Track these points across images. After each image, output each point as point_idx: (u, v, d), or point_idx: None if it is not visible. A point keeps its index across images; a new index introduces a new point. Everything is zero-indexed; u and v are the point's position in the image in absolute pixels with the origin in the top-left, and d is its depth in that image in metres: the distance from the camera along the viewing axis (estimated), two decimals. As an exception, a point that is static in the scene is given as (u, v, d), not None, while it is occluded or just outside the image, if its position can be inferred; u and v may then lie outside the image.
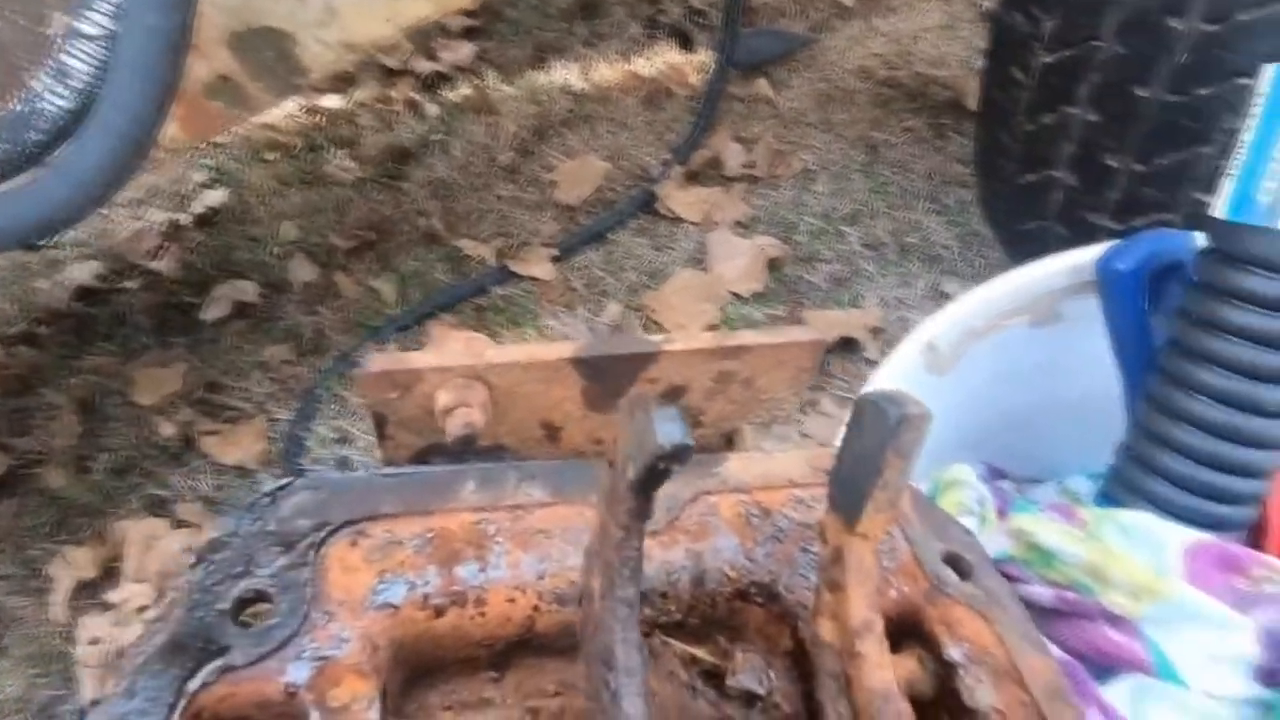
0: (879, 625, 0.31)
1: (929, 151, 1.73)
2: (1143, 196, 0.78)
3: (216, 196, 2.09)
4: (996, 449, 0.65)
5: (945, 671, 0.37)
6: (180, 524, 1.46)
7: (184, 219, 2.05)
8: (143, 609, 1.34)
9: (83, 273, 1.99)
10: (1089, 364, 0.63)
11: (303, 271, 1.86)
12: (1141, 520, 0.49)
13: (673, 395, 0.44)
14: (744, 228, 1.69)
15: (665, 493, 0.42)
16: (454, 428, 0.37)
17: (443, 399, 0.37)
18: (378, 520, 0.35)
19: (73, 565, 1.41)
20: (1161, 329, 0.52)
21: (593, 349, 0.40)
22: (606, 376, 0.41)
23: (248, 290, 1.83)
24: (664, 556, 0.37)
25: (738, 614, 0.38)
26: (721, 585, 0.38)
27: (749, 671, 0.33)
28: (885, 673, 0.30)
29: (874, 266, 1.54)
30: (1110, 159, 0.78)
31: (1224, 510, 0.48)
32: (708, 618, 0.38)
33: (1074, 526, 0.51)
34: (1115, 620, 0.48)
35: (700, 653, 0.34)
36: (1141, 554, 0.47)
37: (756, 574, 0.38)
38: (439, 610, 0.33)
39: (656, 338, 0.42)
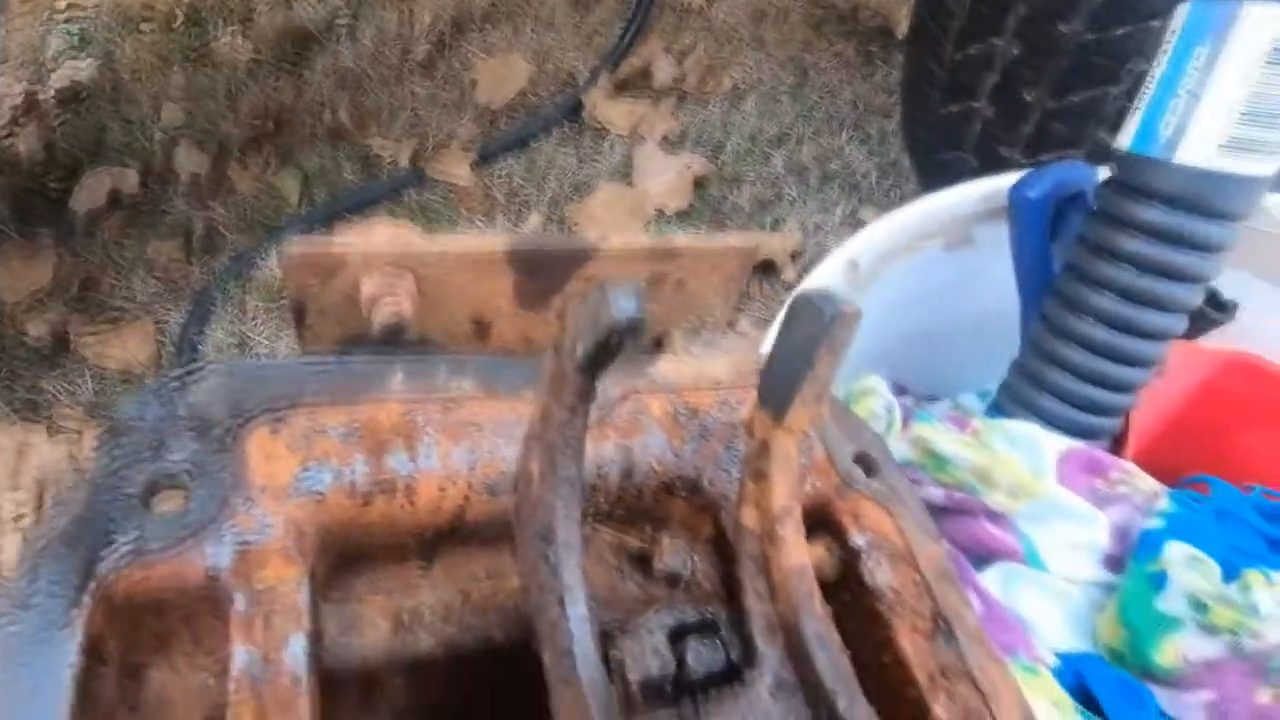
0: (797, 511, 0.33)
1: (856, 78, 1.74)
2: (1053, 132, 0.82)
3: (83, 69, 1.84)
4: (900, 366, 0.68)
5: (850, 557, 0.40)
6: (58, 430, 1.36)
7: (43, 93, 1.80)
8: (19, 518, 1.26)
9: (-79, 147, 1.74)
10: (993, 287, 0.67)
11: (190, 161, 1.70)
12: (1025, 430, 0.54)
13: (606, 296, 0.44)
14: (671, 144, 1.66)
15: (596, 389, 0.42)
16: (381, 317, 0.35)
17: (368, 287, 0.35)
18: (299, 408, 0.34)
19: (-69, 473, 1.29)
20: (1059, 257, 0.56)
21: (527, 243, 0.39)
22: (540, 273, 0.40)
23: (126, 178, 1.66)
24: (595, 451, 0.38)
25: (662, 506, 0.40)
26: (648, 479, 0.39)
27: (674, 555, 0.34)
28: (801, 553, 0.32)
29: (796, 191, 1.56)
30: (1027, 93, 0.81)
31: (1096, 421, 0.53)
32: (634, 509, 0.40)
33: (967, 435, 0.56)
34: (995, 517, 0.53)
35: (628, 538, 0.36)
36: (1022, 458, 0.52)
37: (682, 469, 0.40)
38: (367, 499, 0.33)
39: (592, 237, 0.41)
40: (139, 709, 0.29)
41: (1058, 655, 0.49)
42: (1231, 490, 0.55)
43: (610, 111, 1.70)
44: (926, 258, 0.64)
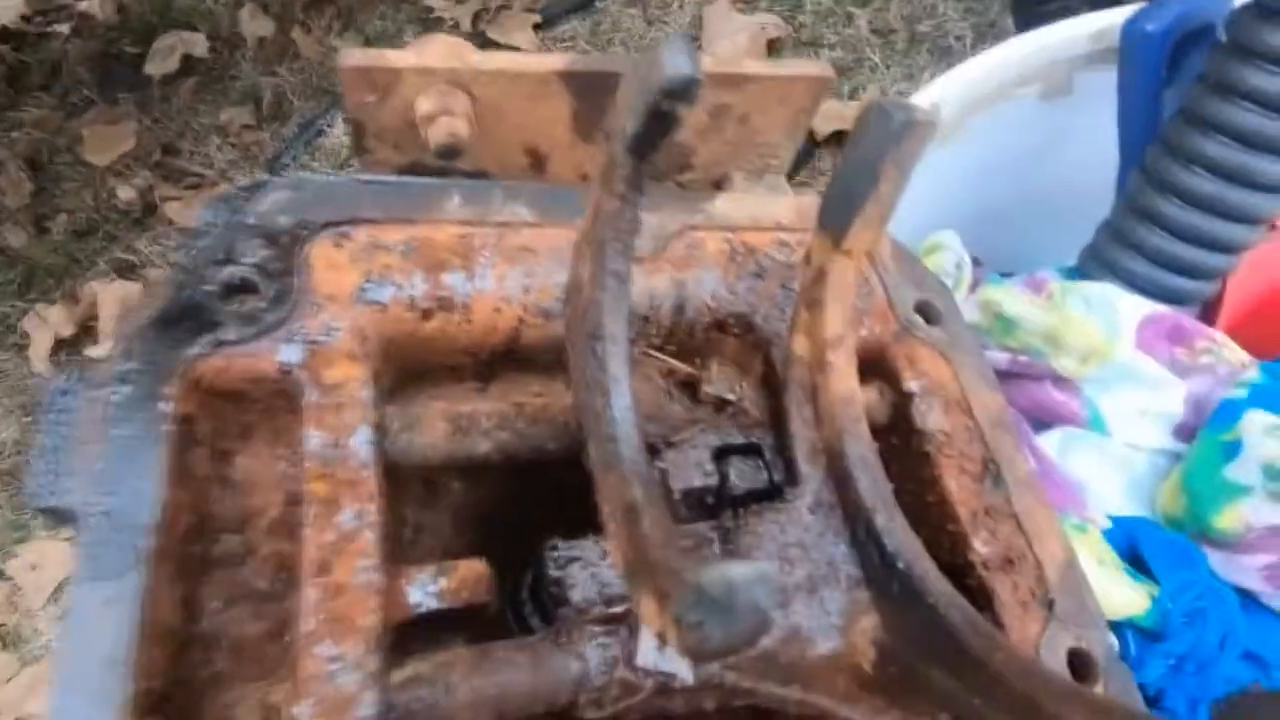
0: (850, 340, 0.32)
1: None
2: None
3: (147, -75, 1.81)
4: (978, 239, 0.64)
5: (901, 401, 0.39)
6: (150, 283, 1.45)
7: (112, -49, 1.79)
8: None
9: (4, 13, 1.78)
10: (1089, 149, 0.61)
11: (256, 25, 1.68)
12: (1105, 291, 0.51)
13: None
14: (745, 3, 1.54)
15: (652, 224, 0.42)
16: (437, 135, 0.35)
17: (424, 105, 0.35)
18: (360, 225, 0.34)
19: (48, 322, 1.41)
20: (1172, 104, 0.50)
21: (586, 63, 0.37)
22: (597, 97, 0.38)
23: (196, 43, 1.66)
24: (648, 284, 0.38)
25: (714, 343, 0.40)
26: (701, 315, 0.39)
27: (722, 380, 0.35)
28: (850, 381, 0.32)
29: (880, 56, 1.44)
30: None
31: (1188, 284, 0.49)
32: (685, 345, 0.40)
33: (1040, 298, 0.53)
34: (1060, 381, 0.51)
35: (677, 363, 0.36)
36: (1099, 321, 0.50)
37: (736, 306, 0.39)
38: (426, 313, 0.34)
39: (652, 59, 0.39)
40: (228, 484, 0.32)
41: (1111, 518, 0.48)
42: (1331, 367, 0.51)
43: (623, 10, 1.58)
44: (1019, 108, 0.58)
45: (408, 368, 0.36)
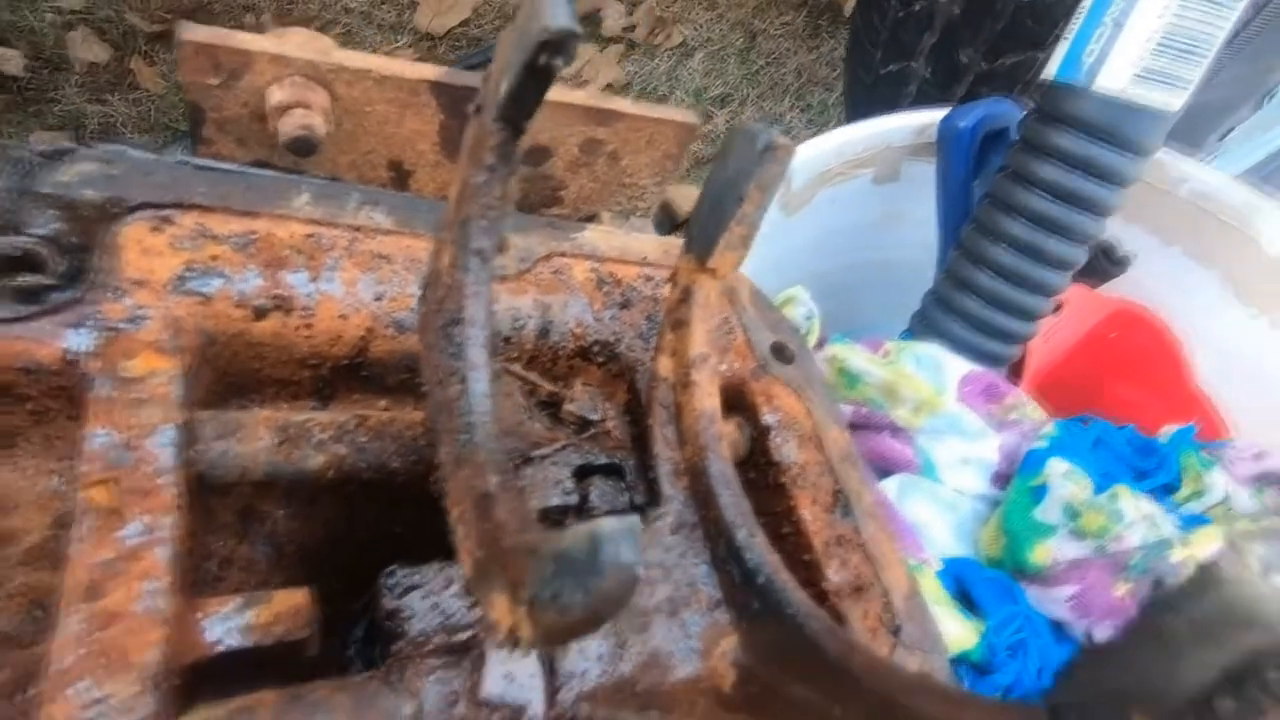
0: (713, 360, 0.32)
1: (802, 49, 1.76)
2: (983, 96, 0.85)
3: (-38, -75, 1.64)
4: (817, 300, 0.69)
5: (759, 434, 0.40)
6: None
7: (-88, -54, 1.60)
8: None
9: None
10: (913, 230, 0.69)
11: (89, 50, 1.54)
12: (931, 350, 0.56)
13: (537, 156, 0.42)
14: (615, 92, 1.63)
15: (519, 245, 0.41)
16: (288, 128, 0.32)
17: (277, 95, 0.32)
18: (187, 210, 0.31)
19: None
20: (979, 191, 0.58)
21: (460, 77, 0.36)
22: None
23: (10, 59, 1.49)
24: (512, 302, 0.37)
25: (577, 371, 0.39)
26: (565, 340, 0.38)
27: (585, 400, 0.34)
28: (713, 400, 0.32)
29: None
30: (963, 54, 0.84)
31: (998, 348, 0.56)
32: (547, 372, 0.38)
33: (878, 355, 0.57)
34: (897, 431, 0.55)
35: (539, 380, 0.35)
36: (927, 376, 0.54)
37: (601, 333, 0.39)
38: (260, 312, 0.30)
39: (526, 87, 0.39)
40: (-26, 503, 0.26)
41: (942, 560, 0.51)
42: (1108, 425, 0.59)
43: (555, 51, 1.66)
44: (856, 188, 0.65)
45: (232, 377, 0.32)
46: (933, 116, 0.61)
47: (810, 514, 0.38)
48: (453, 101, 0.37)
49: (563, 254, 0.40)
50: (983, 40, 0.81)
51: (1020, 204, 0.52)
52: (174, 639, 0.23)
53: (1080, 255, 0.53)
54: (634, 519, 0.14)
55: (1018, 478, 0.53)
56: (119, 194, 0.29)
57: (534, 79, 0.19)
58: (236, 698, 0.23)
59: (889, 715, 0.21)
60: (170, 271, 0.29)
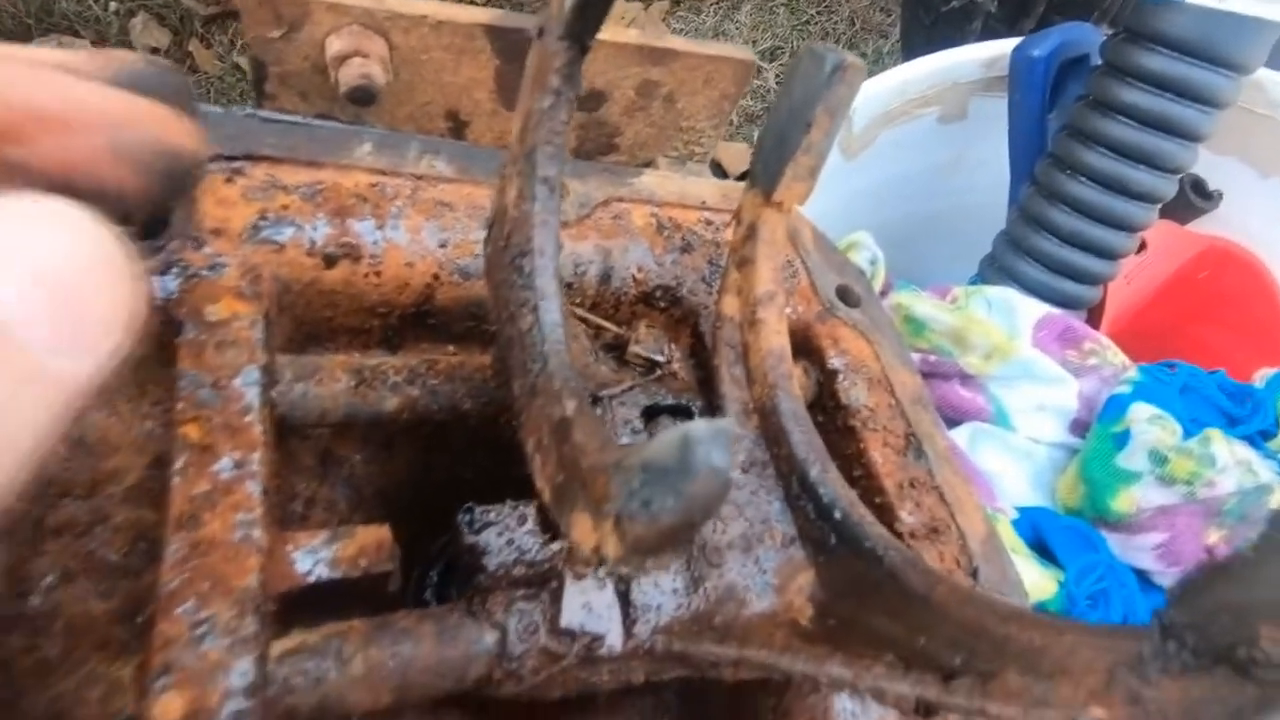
0: (780, 297, 0.32)
1: (854, -6, 1.69)
2: (1055, 25, 0.80)
3: (29, -80, 1.70)
4: (887, 252, 0.67)
5: (826, 378, 0.39)
6: None
7: (-15, -57, 1.66)
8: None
9: None
10: (981, 172, 0.66)
11: (149, 35, 1.59)
12: (1004, 294, 0.53)
13: (592, 102, 0.42)
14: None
15: (578, 190, 0.41)
16: (348, 77, 0.32)
17: (336, 45, 0.33)
18: (257, 162, 0.31)
19: None
20: (1054, 126, 0.55)
21: (515, 19, 0.36)
22: (523, 58, 0.37)
23: (77, 48, 1.55)
24: (573, 248, 0.37)
25: (639, 317, 0.39)
26: (627, 285, 0.38)
27: (651, 342, 0.33)
28: (781, 338, 0.31)
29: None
30: (1033, -17, 0.79)
31: (1075, 289, 0.53)
32: (610, 318, 0.38)
33: (946, 301, 0.55)
34: (967, 379, 0.53)
35: (604, 323, 0.34)
36: (999, 321, 0.52)
37: (663, 278, 0.38)
38: (330, 260, 0.31)
39: (581, 28, 0.38)
40: (79, 444, 0.27)
41: (1017, 509, 0.50)
42: (1196, 370, 0.55)
43: None
44: (921, 127, 0.62)
45: (308, 326, 0.32)
46: (1003, 48, 0.58)
47: (881, 456, 0.37)
48: (508, 46, 0.37)
49: (621, 199, 0.40)
50: (1055, -34, 0.76)
51: (1102, 133, 0.48)
52: (268, 569, 0.24)
53: (1168, 188, 0.49)
54: (727, 421, 0.13)
55: (1098, 424, 0.51)
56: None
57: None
58: (327, 624, 0.24)
59: (978, 643, 0.21)
60: (244, 221, 0.30)
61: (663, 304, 0.39)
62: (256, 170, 0.31)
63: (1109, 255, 0.52)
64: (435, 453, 0.36)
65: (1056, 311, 0.52)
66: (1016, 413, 0.51)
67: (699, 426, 0.13)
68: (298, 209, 0.31)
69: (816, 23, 1.68)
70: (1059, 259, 0.51)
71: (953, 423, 0.54)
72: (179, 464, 0.24)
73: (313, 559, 0.25)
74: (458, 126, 0.40)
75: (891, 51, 1.57)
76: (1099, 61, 0.50)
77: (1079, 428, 0.52)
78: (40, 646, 0.24)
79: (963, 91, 0.60)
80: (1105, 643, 0.18)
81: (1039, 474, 0.51)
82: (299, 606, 0.25)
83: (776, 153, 0.30)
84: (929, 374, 0.55)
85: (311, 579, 0.25)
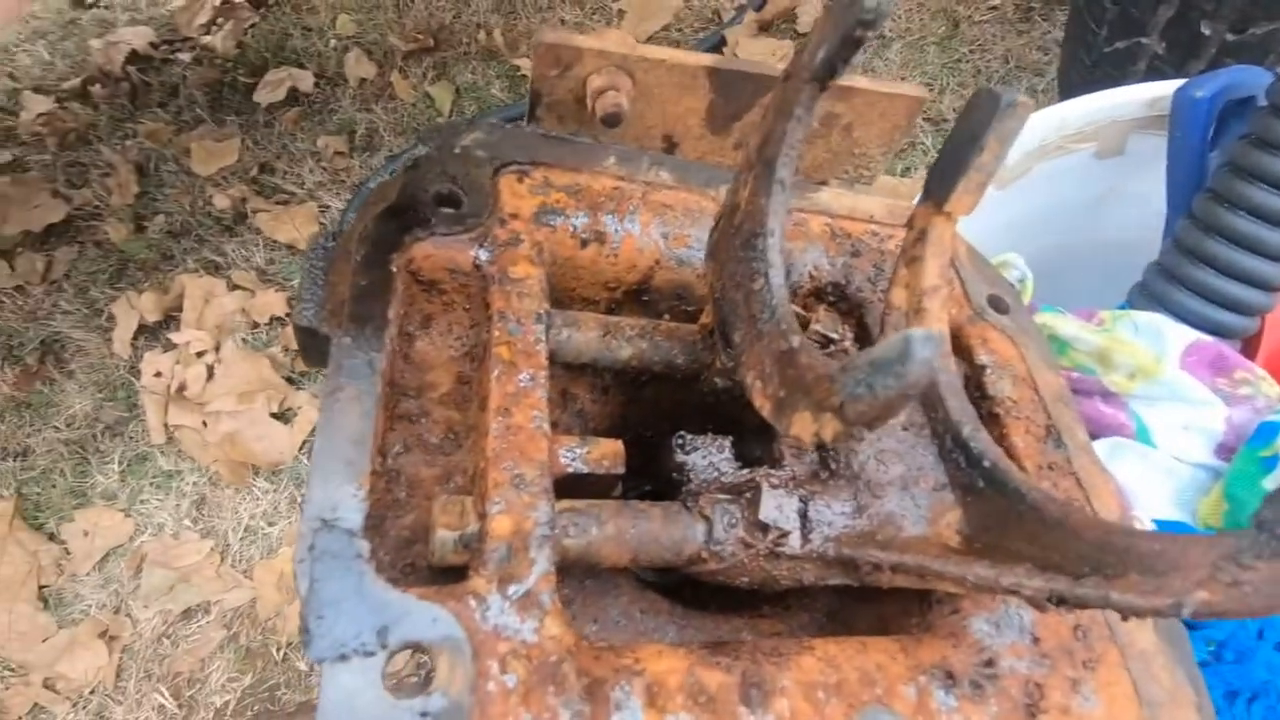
0: (944, 290, 0.38)
1: (1010, 34, 1.69)
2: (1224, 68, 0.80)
3: (274, -24, 2.03)
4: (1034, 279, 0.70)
5: (975, 373, 0.45)
6: (235, 287, 1.55)
7: (239, -1, 2.01)
8: (201, 354, 1.46)
9: (136, 38, 1.98)
10: (1135, 209, 0.68)
11: (360, 68, 1.85)
12: (1153, 319, 0.56)
13: (781, 129, 0.50)
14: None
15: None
16: (604, 106, 0.42)
17: (596, 81, 0.43)
18: (537, 166, 0.42)
19: (135, 308, 1.51)
20: (1215, 163, 0.57)
21: (732, 63, 0.45)
22: (732, 94, 0.46)
23: (304, 79, 1.83)
24: (762, 246, 0.45)
25: (810, 309, 0.46)
26: (803, 280, 0.45)
27: (829, 321, 0.41)
28: (943, 324, 0.37)
29: (931, 140, 1.55)
30: (1205, 25, 0.79)
31: (1230, 319, 0.55)
32: (787, 307, 0.46)
33: (1092, 324, 0.59)
34: (1109, 396, 0.56)
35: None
36: (1146, 344, 0.55)
37: (834, 275, 0.46)
38: (584, 242, 0.41)
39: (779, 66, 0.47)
40: (410, 361, 0.38)
41: (1154, 521, 0.52)
42: (1362, 409, 0.55)
43: (753, 49, 1.73)
44: (1076, 163, 0.65)
45: (558, 293, 0.42)
46: (1165, 88, 0.61)
47: (1023, 442, 0.42)
48: (722, 84, 0.46)
49: (801, 209, 0.47)
50: (1229, 9, 0.77)
51: (1264, 169, 0.50)
52: (551, 453, 0.33)
53: (1334, 224, 0.51)
54: (940, 331, 0.20)
55: (1246, 447, 0.52)
56: (497, 154, 0.41)
57: (847, 46, 0.26)
58: (584, 500, 0.33)
59: (1105, 555, 0.26)
60: (531, 209, 0.40)
61: (832, 298, 0.46)
62: (537, 173, 0.41)
63: (1266, 286, 0.53)
64: (638, 405, 0.45)
65: (1208, 339, 0.54)
66: (1159, 431, 0.54)
67: (916, 331, 0.21)
68: (564, 202, 0.41)
69: (969, 60, 1.70)
70: (1214, 288, 0.53)
71: (1093, 437, 0.56)
72: (495, 373, 0.34)
73: (571, 455, 0.35)
74: (670, 147, 0.49)
75: (1046, 89, 1.56)
76: (1264, 103, 0.52)
77: (1225, 452, 0.54)
78: (394, 490, 0.34)
79: (1122, 128, 0.63)
80: (1209, 542, 0.23)
81: (1181, 491, 0.53)
82: (558, 488, 0.34)
83: (950, 170, 0.36)
84: (1071, 390, 0.58)
85: (570, 469, 0.34)
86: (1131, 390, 0.55)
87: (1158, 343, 0.55)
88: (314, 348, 0.33)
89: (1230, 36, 0.79)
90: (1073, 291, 0.75)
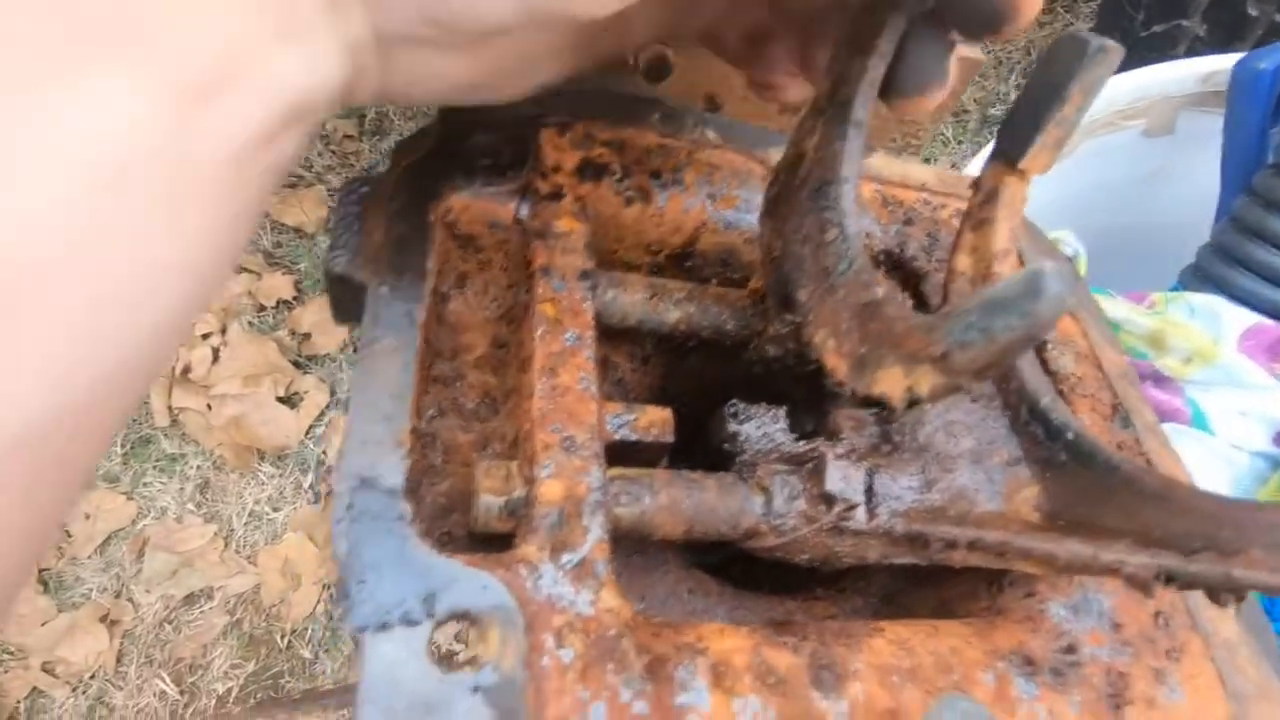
0: (1014, 256, 0.36)
1: (1035, 24, 1.66)
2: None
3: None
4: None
5: (1036, 349, 0.43)
6: (242, 269, 1.53)
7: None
8: (207, 336, 1.43)
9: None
10: (1185, 190, 0.66)
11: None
12: (1208, 301, 0.54)
13: (830, 91, 0.47)
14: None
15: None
16: (648, 55, 0.40)
17: (641, 33, 0.41)
18: (579, 119, 0.39)
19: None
20: (1276, 140, 0.55)
21: (778, 16, 0.43)
22: (781, 50, 0.44)
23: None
24: (812, 211, 0.42)
25: (861, 279, 0.43)
26: (855, 248, 0.43)
27: (887, 289, 0.38)
28: (1014, 291, 0.35)
29: (952, 132, 1.53)
30: (1251, 6, 0.77)
31: (1290, 300, 0.52)
32: (836, 277, 0.43)
33: (1143, 306, 0.56)
34: (1162, 381, 0.53)
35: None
36: (1202, 326, 0.52)
37: (887, 243, 0.43)
38: (628, 200, 0.38)
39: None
40: (443, 322, 0.36)
41: (1211, 511, 0.50)
42: None
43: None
44: (1124, 140, 0.63)
45: (599, 254, 0.40)
46: (1222, 62, 0.58)
47: (1090, 420, 0.40)
48: (772, 38, 0.43)
49: (852, 175, 0.45)
50: (1278, -12, 0.74)
51: (1334, 144, 0.48)
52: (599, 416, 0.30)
53: (1407, 201, 0.48)
54: (1068, 264, 0.18)
55: (1309, 436, 0.50)
56: (537, 104, 0.38)
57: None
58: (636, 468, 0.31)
59: (1220, 530, 0.24)
60: (573, 163, 0.37)
61: (885, 267, 0.44)
62: (580, 127, 0.39)
63: (1332, 268, 0.51)
64: (673, 376, 0.42)
65: (1269, 322, 0.52)
66: (1215, 416, 0.51)
67: (1047, 263, 0.18)
68: (606, 157, 0.39)
69: (990, 51, 1.67)
70: (1275, 267, 0.51)
71: (1143, 423, 0.54)
72: (539, 331, 0.31)
73: (619, 422, 0.32)
74: (713, 107, 0.47)
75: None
76: (1333, 74, 0.50)
77: (1284, 441, 0.51)
78: (429, 456, 0.32)
79: (1173, 105, 0.61)
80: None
81: (1239, 480, 0.50)
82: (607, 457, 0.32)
83: (1026, 125, 0.34)
84: (1121, 374, 0.55)
85: (618, 437, 0.32)
86: (1187, 375, 0.52)
87: (1214, 325, 0.53)
88: (347, 299, 0.31)
89: (1278, 15, 0.76)
90: (1121, 272, 0.72)
